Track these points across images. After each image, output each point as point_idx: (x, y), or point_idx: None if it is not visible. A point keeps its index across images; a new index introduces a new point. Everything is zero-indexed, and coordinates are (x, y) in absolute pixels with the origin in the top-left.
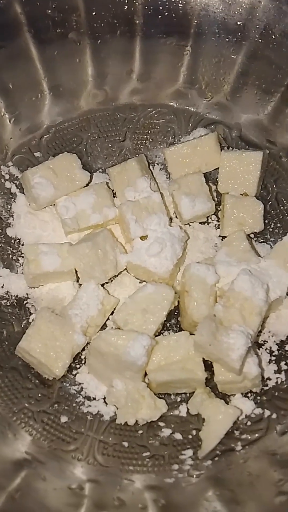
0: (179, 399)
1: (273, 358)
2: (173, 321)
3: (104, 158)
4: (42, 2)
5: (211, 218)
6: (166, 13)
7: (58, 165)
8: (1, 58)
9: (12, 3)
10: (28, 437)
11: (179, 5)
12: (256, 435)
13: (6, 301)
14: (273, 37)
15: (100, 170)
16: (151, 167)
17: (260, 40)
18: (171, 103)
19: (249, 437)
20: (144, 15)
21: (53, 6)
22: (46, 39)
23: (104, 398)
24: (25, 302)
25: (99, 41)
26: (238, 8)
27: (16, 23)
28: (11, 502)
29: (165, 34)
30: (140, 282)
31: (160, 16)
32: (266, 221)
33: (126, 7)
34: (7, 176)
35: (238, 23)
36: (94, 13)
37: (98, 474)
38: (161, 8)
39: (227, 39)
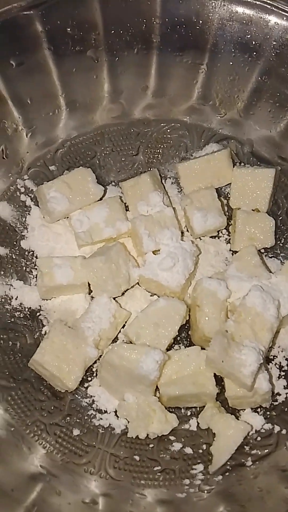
0: (189, 413)
1: (283, 373)
2: (183, 334)
3: (116, 171)
4: (62, 20)
5: (221, 232)
6: (183, 32)
7: (73, 180)
8: (20, 73)
9: (33, 20)
10: (42, 450)
11: (197, 24)
12: (266, 450)
13: (19, 313)
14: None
15: (113, 183)
16: (163, 181)
17: (274, 59)
18: (185, 119)
19: (259, 453)
20: (162, 33)
21: (73, 24)
22: (65, 56)
23: (115, 411)
24: (38, 314)
25: (117, 58)
26: (254, 28)
27: (36, 40)
28: None
29: (181, 52)
30: (151, 296)
31: (177, 35)
32: (277, 237)
33: (144, 25)
34: (22, 189)
35: (254, 42)
36: (112, 31)
37: (110, 488)
38: (178, 26)
39: (242, 58)
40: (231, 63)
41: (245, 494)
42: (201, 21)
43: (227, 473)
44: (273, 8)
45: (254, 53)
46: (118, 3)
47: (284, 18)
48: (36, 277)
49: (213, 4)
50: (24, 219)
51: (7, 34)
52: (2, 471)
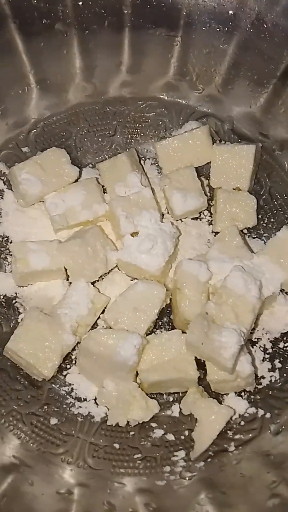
0: (171, 399)
1: (267, 356)
2: (165, 319)
3: (94, 153)
4: None
5: (203, 214)
6: (155, 3)
7: (46, 160)
8: None
9: None
10: (16, 441)
11: None
12: (250, 435)
13: None
14: (265, 26)
15: (90, 165)
16: (142, 161)
17: (251, 30)
18: (162, 96)
19: (243, 437)
20: (133, 5)
21: None
22: (32, 30)
23: (95, 399)
24: (13, 301)
25: (87, 32)
26: None
27: (1, 13)
28: None
29: (155, 25)
30: (131, 280)
31: (149, 6)
32: (259, 216)
33: None
34: None
35: (229, 12)
36: (81, 3)
37: (88, 478)
38: None
39: (217, 29)
40: (206, 35)
41: (227, 480)
42: None
43: (209, 459)
44: None
45: (230, 23)
46: None
47: None
48: (11, 264)
49: None
50: None
51: None
52: None
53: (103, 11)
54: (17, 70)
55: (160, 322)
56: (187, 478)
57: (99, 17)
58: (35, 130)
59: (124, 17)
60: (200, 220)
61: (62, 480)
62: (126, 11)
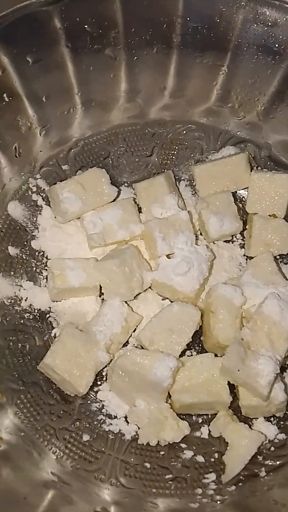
0: (200, 421)
1: None
2: (196, 340)
3: (130, 172)
4: (82, 17)
5: (235, 237)
6: (205, 32)
7: (87, 180)
8: (37, 70)
9: (51, 17)
10: (52, 456)
11: (220, 25)
12: (280, 461)
13: (29, 314)
14: None
15: (126, 184)
16: (177, 183)
17: None
18: (201, 121)
19: (273, 463)
20: (183, 33)
21: (92, 21)
22: (83, 53)
23: (125, 417)
24: (47, 315)
25: (135, 57)
26: (278, 31)
27: (54, 37)
28: None
29: (202, 53)
30: (162, 300)
31: (198, 35)
32: None
33: (165, 25)
34: (34, 189)
35: (278, 45)
36: (132, 30)
37: (122, 497)
38: (200, 27)
39: (264, 61)
40: (253, 65)
41: (260, 506)
42: (224, 22)
43: (240, 484)
44: None
45: (277, 56)
46: (140, 1)
47: None
48: (46, 278)
49: (238, 5)
50: (35, 219)
51: (25, 30)
52: (15, 478)
53: (153, 38)
54: (65, 91)
55: (190, 343)
56: (219, 502)
57: (149, 43)
58: (75, 149)
59: (173, 45)
60: (232, 243)
61: (99, 498)
62: (175, 40)
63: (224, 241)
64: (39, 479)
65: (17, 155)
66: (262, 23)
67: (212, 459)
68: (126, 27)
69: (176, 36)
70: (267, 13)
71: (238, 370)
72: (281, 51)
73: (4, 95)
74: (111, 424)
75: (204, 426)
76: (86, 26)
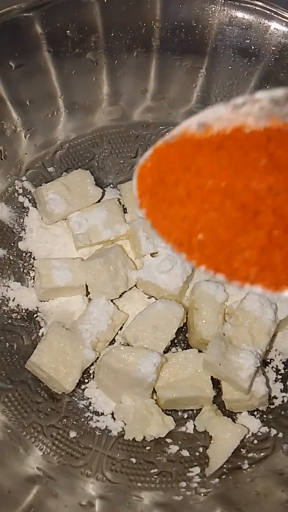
0: (186, 416)
1: (280, 376)
2: (180, 337)
3: (115, 173)
4: (63, 23)
5: None
6: (183, 36)
7: (71, 182)
8: (20, 75)
9: (33, 22)
10: (39, 452)
11: (197, 28)
12: (263, 453)
13: (16, 314)
14: (287, 62)
15: (111, 185)
16: None
17: (273, 64)
18: None
19: (256, 456)
20: (161, 37)
21: (73, 26)
22: (64, 58)
23: (112, 414)
24: (35, 315)
25: (116, 61)
26: (253, 33)
27: (36, 42)
28: None
29: (181, 56)
30: (148, 298)
31: (177, 39)
32: None
33: (144, 29)
34: (20, 191)
35: (253, 47)
36: (112, 34)
37: (107, 491)
38: (178, 30)
39: (241, 63)
40: (230, 67)
41: (242, 497)
42: (200, 26)
43: (223, 476)
44: (272, 13)
45: (253, 58)
46: (118, 7)
47: (284, 24)
48: (33, 279)
49: (213, 8)
50: (22, 221)
51: (7, 36)
52: (0, 473)
53: (133, 42)
54: (48, 95)
55: (176, 340)
56: (202, 494)
57: (129, 47)
58: (60, 151)
59: (152, 48)
60: None
61: (84, 493)
62: (154, 43)
63: None
64: (24, 474)
65: (2, 157)
66: (237, 26)
67: (197, 453)
68: (106, 32)
69: (155, 39)
70: (241, 16)
71: (220, 364)
72: (256, 52)
73: None
74: (98, 421)
75: (189, 421)
76: (67, 31)
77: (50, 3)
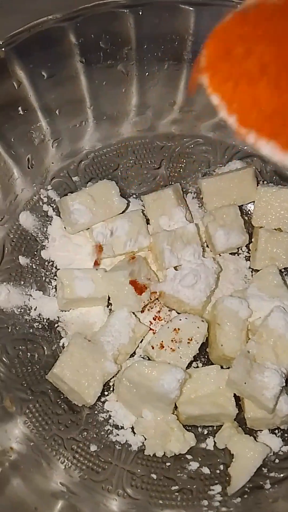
0: (206, 432)
1: None
2: (201, 352)
3: (138, 184)
4: (96, 34)
5: (241, 249)
6: None
7: (97, 192)
8: (51, 84)
9: (67, 33)
10: (61, 466)
11: None
12: (283, 474)
13: (38, 323)
14: None
15: (134, 196)
16: (184, 195)
17: None
18: (209, 135)
19: (278, 475)
20: (194, 50)
21: (106, 37)
22: (96, 69)
23: (132, 428)
24: (56, 325)
25: (147, 73)
26: None
27: (69, 52)
28: None
29: None
30: (169, 311)
31: None
32: None
33: (177, 42)
34: (45, 199)
35: None
36: (145, 46)
37: (129, 507)
38: None
39: None
40: None
41: None
42: None
43: (245, 496)
44: None
45: None
46: (152, 19)
47: None
48: (55, 288)
49: None
50: (45, 229)
51: (41, 45)
52: (25, 488)
53: (164, 54)
54: (78, 105)
55: (196, 355)
56: None
57: (160, 60)
58: (85, 161)
59: (183, 61)
60: (238, 255)
61: (107, 509)
62: (186, 56)
63: (230, 254)
64: (48, 489)
65: (29, 166)
66: None
67: (218, 471)
68: (139, 44)
69: (186, 53)
70: None
71: (245, 383)
72: None
73: (19, 108)
74: (118, 434)
75: (209, 438)
76: (100, 43)
77: (84, 14)
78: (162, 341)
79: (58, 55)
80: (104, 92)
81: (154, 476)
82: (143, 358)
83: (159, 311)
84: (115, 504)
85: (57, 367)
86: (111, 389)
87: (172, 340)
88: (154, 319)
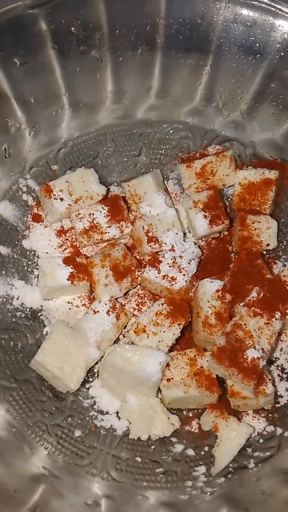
0: (190, 415)
1: (285, 375)
2: (185, 335)
3: (119, 171)
4: (67, 20)
5: (223, 233)
6: (188, 33)
7: (75, 180)
8: (24, 72)
9: (37, 19)
10: (44, 451)
11: (201, 25)
12: (268, 452)
13: (21, 312)
14: None
15: (115, 183)
16: (165, 182)
17: (278, 61)
18: (187, 120)
19: (262, 455)
20: (166, 34)
21: (78, 23)
22: (69, 55)
23: (117, 413)
24: (39, 314)
25: (121, 58)
26: (258, 30)
27: (41, 39)
28: None
29: (185, 53)
30: (152, 296)
31: (181, 36)
32: (279, 239)
33: (149, 26)
34: (24, 189)
35: (258, 44)
36: (117, 31)
37: (113, 490)
38: (182, 28)
39: (246, 60)
40: (234, 65)
41: (248, 496)
42: (205, 23)
43: (229, 475)
44: (277, 10)
45: (258, 56)
46: (123, 4)
47: None
48: (37, 277)
49: (218, 5)
50: (25, 219)
51: (11, 33)
52: (5, 472)
53: (137, 39)
54: (53, 92)
55: (179, 339)
56: (208, 493)
57: (133, 45)
58: (64, 149)
59: (157, 46)
60: (220, 239)
61: (89, 492)
62: (159, 40)
63: (212, 238)
64: (30, 473)
65: (6, 155)
66: (241, 23)
67: (202, 452)
68: (111, 29)
69: (159, 37)
70: (246, 13)
71: (226, 363)
72: (261, 50)
73: None
74: (102, 419)
75: (194, 420)
76: (71, 28)
77: (54, 0)
78: (144, 326)
79: (29, 42)
80: (79, 79)
81: (139, 459)
82: (127, 343)
83: (142, 297)
84: (98, 487)
85: (39, 354)
86: (96, 375)
87: (154, 324)
88: (138, 305)
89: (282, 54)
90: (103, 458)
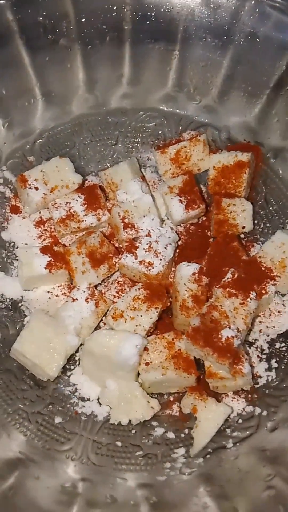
0: (171, 398)
1: (264, 356)
2: (165, 320)
3: (97, 161)
4: (33, 10)
5: (201, 219)
6: (154, 19)
7: (50, 169)
8: None
9: (3, 10)
10: (22, 437)
11: (166, 10)
12: (247, 432)
13: (1, 303)
14: (257, 40)
15: (93, 173)
16: (142, 169)
17: (245, 44)
18: (161, 107)
19: (240, 435)
20: (133, 21)
21: (44, 13)
22: (38, 45)
23: (98, 399)
24: (19, 304)
25: (89, 46)
26: (223, 13)
27: (8, 31)
28: (4, 500)
29: (153, 39)
30: (132, 283)
31: (148, 22)
32: (255, 221)
33: (115, 13)
34: (1, 181)
35: (224, 27)
36: (83, 20)
37: (91, 473)
38: (148, 13)
39: (213, 43)
40: (202, 48)
41: (225, 475)
42: (171, 7)
43: (208, 456)
44: None
45: (225, 38)
46: None
47: (253, 2)
48: (17, 268)
49: None
50: (3, 211)
51: None
52: None
53: (105, 27)
54: (23, 83)
55: (160, 323)
56: (186, 474)
57: (101, 32)
58: (40, 140)
59: (124, 33)
60: (199, 224)
61: (67, 475)
62: (126, 27)
63: (190, 224)
64: (5, 458)
65: None
66: (206, 5)
67: (183, 435)
68: (77, 17)
69: (126, 23)
70: None
71: (201, 344)
72: (227, 32)
73: None
74: (84, 406)
75: (175, 404)
76: (38, 18)
77: None
78: (121, 311)
79: None
80: (49, 69)
81: (119, 443)
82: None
83: (122, 284)
84: (75, 470)
85: (17, 342)
86: (77, 363)
87: (131, 309)
88: (118, 293)
89: (249, 36)
90: (84, 443)
